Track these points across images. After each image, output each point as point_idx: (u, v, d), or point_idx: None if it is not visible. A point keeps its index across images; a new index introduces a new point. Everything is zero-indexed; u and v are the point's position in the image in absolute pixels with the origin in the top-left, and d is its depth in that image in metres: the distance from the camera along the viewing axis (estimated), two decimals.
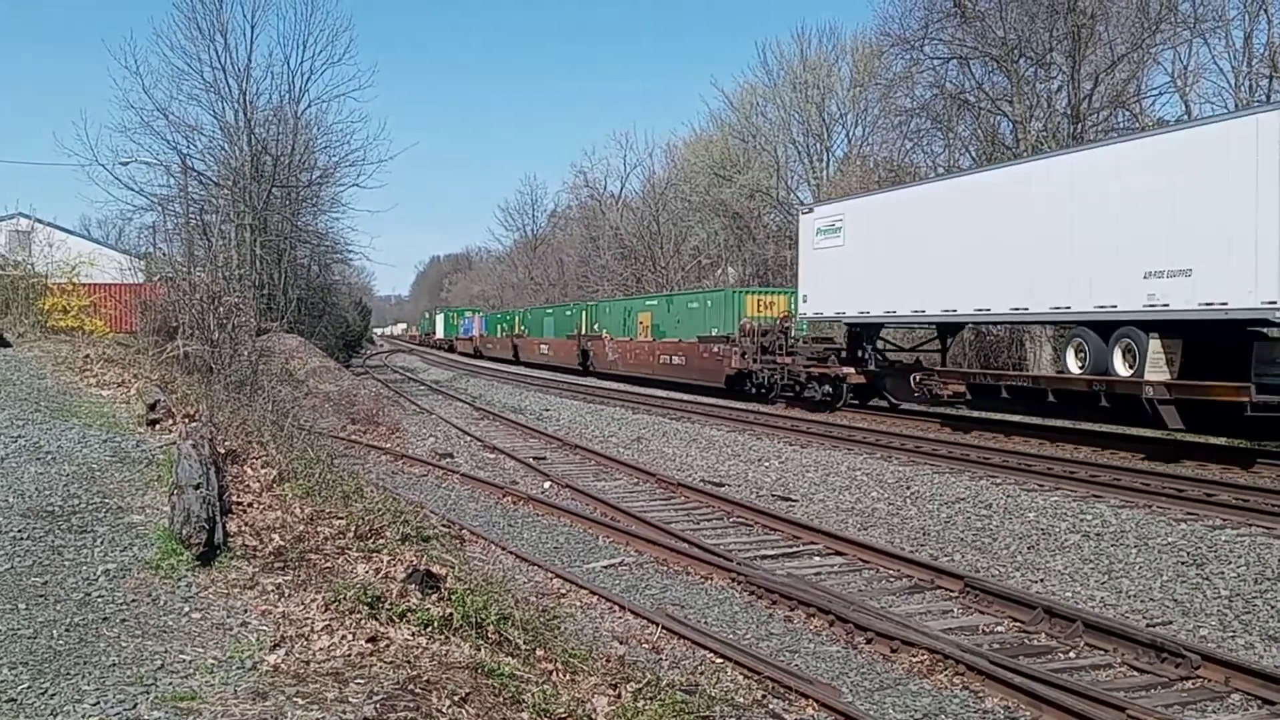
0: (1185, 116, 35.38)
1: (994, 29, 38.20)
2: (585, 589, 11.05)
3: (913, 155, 45.57)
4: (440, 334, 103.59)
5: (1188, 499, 14.27)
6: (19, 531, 7.01)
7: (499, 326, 74.39)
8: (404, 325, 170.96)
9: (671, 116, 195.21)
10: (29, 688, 4.74)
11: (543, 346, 58.59)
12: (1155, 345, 18.01)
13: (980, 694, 8.25)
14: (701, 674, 8.01)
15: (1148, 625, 9.85)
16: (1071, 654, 9.25)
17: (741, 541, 13.61)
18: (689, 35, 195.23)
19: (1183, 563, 11.61)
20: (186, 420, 10.09)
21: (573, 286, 78.79)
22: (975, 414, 24.75)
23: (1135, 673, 8.73)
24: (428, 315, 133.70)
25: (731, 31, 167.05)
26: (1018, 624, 10.01)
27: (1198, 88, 34.83)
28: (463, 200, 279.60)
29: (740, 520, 14.92)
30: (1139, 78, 36.81)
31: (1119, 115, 37.80)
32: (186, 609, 5.95)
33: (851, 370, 27.64)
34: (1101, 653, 9.17)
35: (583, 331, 50.34)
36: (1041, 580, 11.66)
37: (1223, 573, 11.11)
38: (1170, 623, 10.08)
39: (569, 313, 55.53)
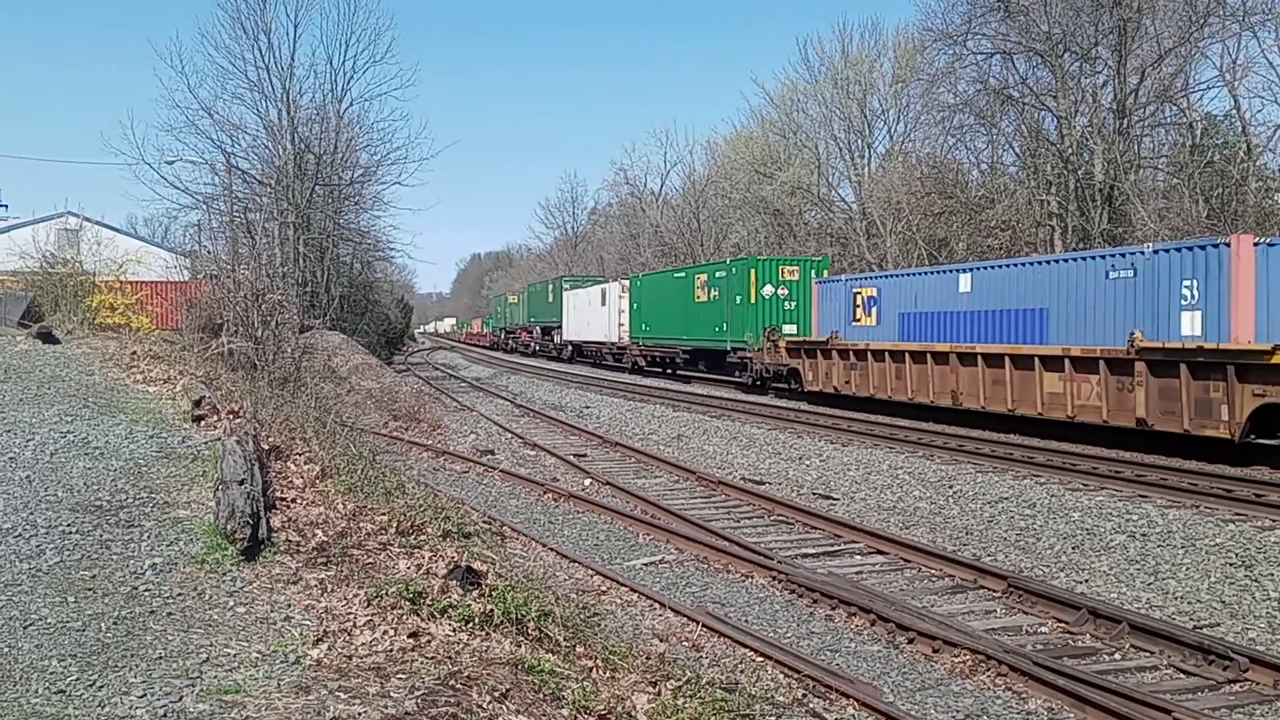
0: (1234, 111, 34.89)
1: (1038, 23, 37.77)
2: (626, 586, 11.06)
3: (955, 151, 45.24)
4: (589, 332, 53.88)
5: (1236, 499, 14.05)
6: (68, 526, 7.11)
7: None
8: (452, 320, 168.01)
9: (712, 113, 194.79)
10: (78, 679, 4.80)
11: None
12: None
13: (1023, 695, 8.18)
14: (742, 672, 7.98)
15: (1195, 627, 9.72)
16: (1117, 655, 9.15)
17: (782, 540, 13.57)
18: (729, 32, 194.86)
19: (1231, 564, 11.43)
20: (231, 416, 10.19)
21: None
22: None
23: (1181, 675, 8.63)
24: (515, 299, 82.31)
25: (772, 27, 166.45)
26: (1062, 625, 9.92)
27: (1247, 82, 34.24)
28: (504, 198, 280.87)
29: (781, 519, 14.88)
30: (1186, 72, 36.23)
31: (1166, 110, 37.27)
32: (231, 603, 6.00)
33: None
34: (1147, 654, 9.06)
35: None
36: (1086, 581, 11.53)
37: (1272, 574, 10.93)
38: (1218, 625, 9.94)
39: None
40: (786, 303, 34.14)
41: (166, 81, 55.74)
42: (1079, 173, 37.54)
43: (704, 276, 38.58)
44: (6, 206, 66.50)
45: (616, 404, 32.04)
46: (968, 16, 40.21)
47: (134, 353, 15.06)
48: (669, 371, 43.69)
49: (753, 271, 34.45)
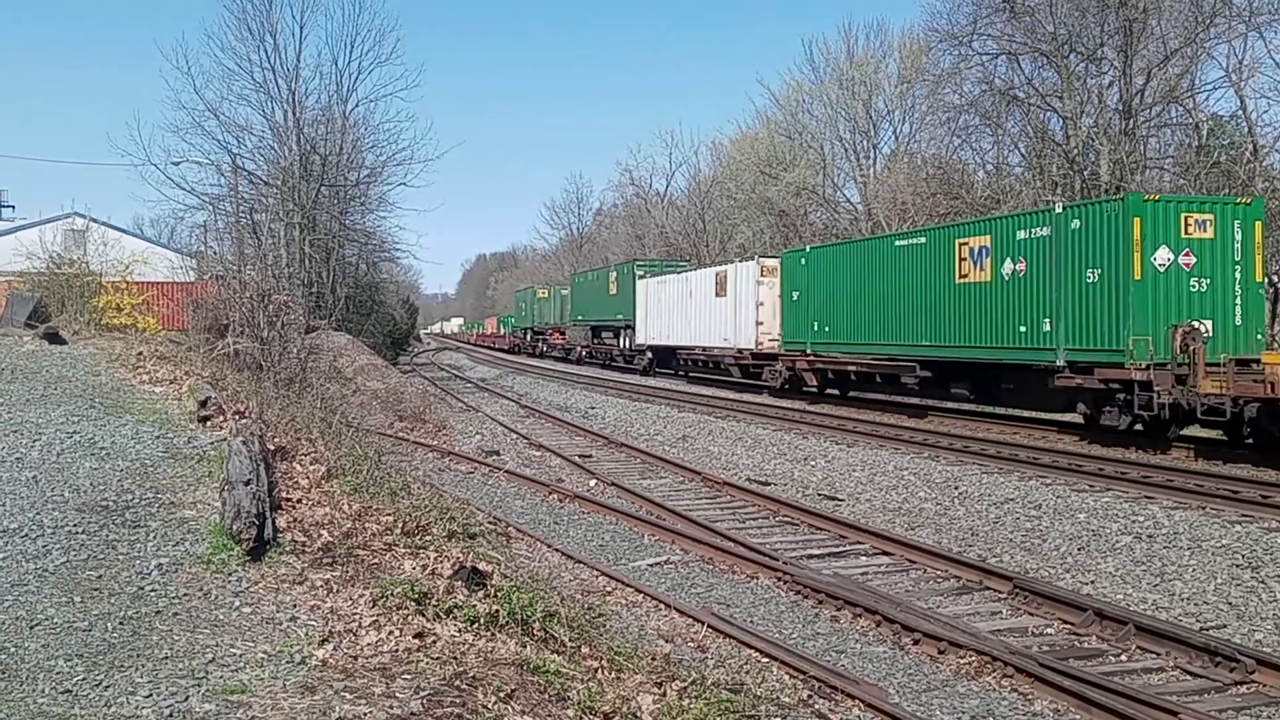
0: (1240, 111, 34.82)
1: (1044, 24, 37.73)
2: (631, 587, 11.05)
3: (961, 152, 45.20)
4: (689, 334, 39.22)
5: (1243, 500, 14.03)
6: (74, 526, 7.12)
7: None
8: (460, 320, 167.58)
9: (718, 114, 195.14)
10: (84, 679, 4.81)
11: None
12: None
13: (1029, 696, 8.16)
14: (747, 673, 7.98)
15: (1201, 629, 9.70)
16: (1123, 657, 9.13)
17: (787, 541, 13.56)
18: (734, 32, 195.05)
19: (1237, 565, 11.41)
20: (237, 417, 10.19)
21: None
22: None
23: (1188, 677, 8.61)
24: (547, 293, 69.55)
25: (777, 28, 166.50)
26: (1068, 626, 9.90)
27: (1253, 82, 34.20)
28: (508, 199, 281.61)
29: (786, 519, 14.86)
30: (1193, 72, 36.20)
31: (1172, 111, 37.21)
32: (237, 603, 6.01)
33: None
34: (1153, 656, 9.04)
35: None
36: (1092, 582, 11.51)
37: (1279, 575, 10.91)
38: (1224, 626, 9.92)
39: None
40: (1193, 280, 18.71)
41: (172, 82, 56.03)
42: (1085, 173, 37.49)
43: (980, 241, 22.36)
44: (13, 207, 66.88)
45: (622, 405, 32.03)
46: (973, 17, 40.26)
47: (140, 353, 15.08)
48: (847, 394, 30.46)
49: (1137, 223, 18.34)
